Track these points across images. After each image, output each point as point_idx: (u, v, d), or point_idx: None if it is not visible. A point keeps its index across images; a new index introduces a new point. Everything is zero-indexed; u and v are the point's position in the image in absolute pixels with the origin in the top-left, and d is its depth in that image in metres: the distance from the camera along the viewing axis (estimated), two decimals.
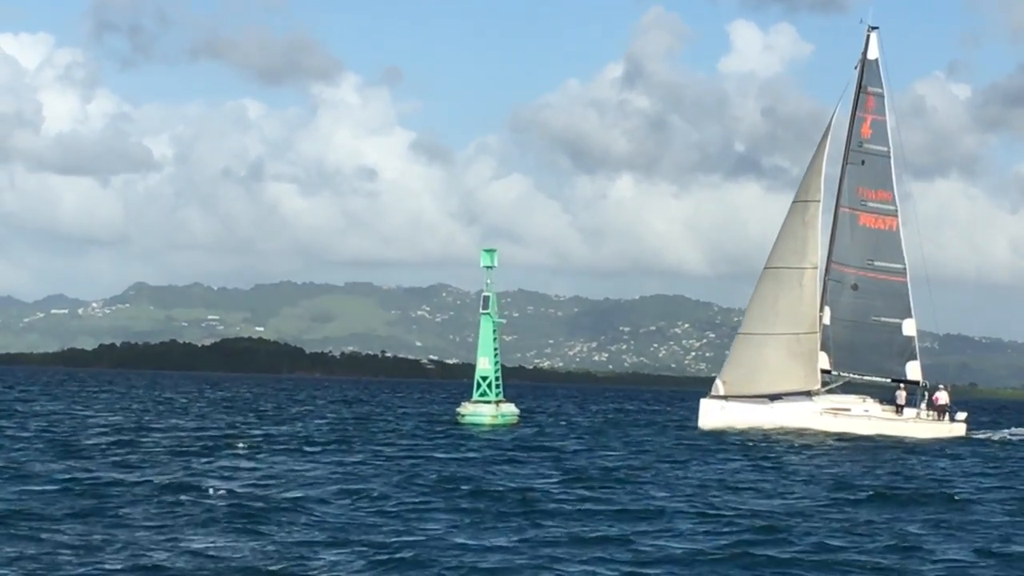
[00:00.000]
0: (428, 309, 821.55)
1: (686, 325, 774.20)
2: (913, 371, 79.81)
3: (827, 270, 79.00)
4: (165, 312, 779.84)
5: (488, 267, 72.71)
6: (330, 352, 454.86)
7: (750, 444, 62.36)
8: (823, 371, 78.50)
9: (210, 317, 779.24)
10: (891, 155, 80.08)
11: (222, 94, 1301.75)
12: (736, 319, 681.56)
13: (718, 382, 78.08)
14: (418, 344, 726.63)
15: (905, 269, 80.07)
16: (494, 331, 72.27)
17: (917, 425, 78.11)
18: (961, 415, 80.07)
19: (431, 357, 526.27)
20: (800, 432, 73.75)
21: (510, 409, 74.04)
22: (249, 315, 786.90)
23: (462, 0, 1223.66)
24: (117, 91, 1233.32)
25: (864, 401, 78.67)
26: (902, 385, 79.21)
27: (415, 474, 39.74)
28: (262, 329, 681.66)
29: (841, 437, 71.62)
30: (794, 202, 78.29)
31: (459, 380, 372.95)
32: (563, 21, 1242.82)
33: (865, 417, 77.57)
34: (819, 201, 78.08)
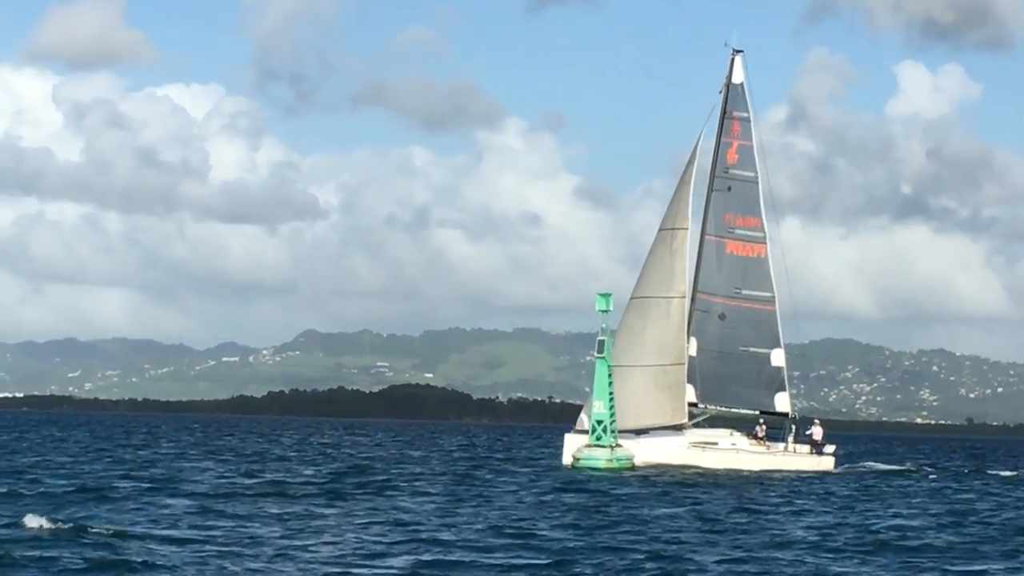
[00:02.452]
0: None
1: (856, 369, 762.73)
2: (782, 403, 77.77)
3: (693, 300, 76.93)
4: (335, 359, 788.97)
5: (603, 311, 72.08)
6: (497, 398, 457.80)
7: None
8: (690, 404, 76.42)
9: (379, 364, 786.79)
10: (759, 180, 78.06)
11: (387, 141, 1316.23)
12: (908, 363, 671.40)
13: (583, 416, 75.86)
14: (587, 390, 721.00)
15: (774, 297, 77.97)
16: (609, 374, 72.05)
17: (786, 459, 75.93)
18: (829, 448, 77.80)
19: None
20: (666, 467, 71.99)
21: (625, 453, 73.08)
22: (418, 361, 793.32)
23: (622, 44, 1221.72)
24: (282, 139, 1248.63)
25: (731, 435, 76.50)
26: (761, 420, 76.98)
27: None
28: (431, 375, 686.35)
29: (708, 472, 69.90)
30: (660, 230, 76.52)
31: None
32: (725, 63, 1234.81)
33: (733, 451, 75.46)
34: (686, 229, 76.23)
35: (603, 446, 71.96)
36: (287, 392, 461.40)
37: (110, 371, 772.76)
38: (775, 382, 77.43)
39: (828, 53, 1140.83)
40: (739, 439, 76.05)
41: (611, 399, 72.08)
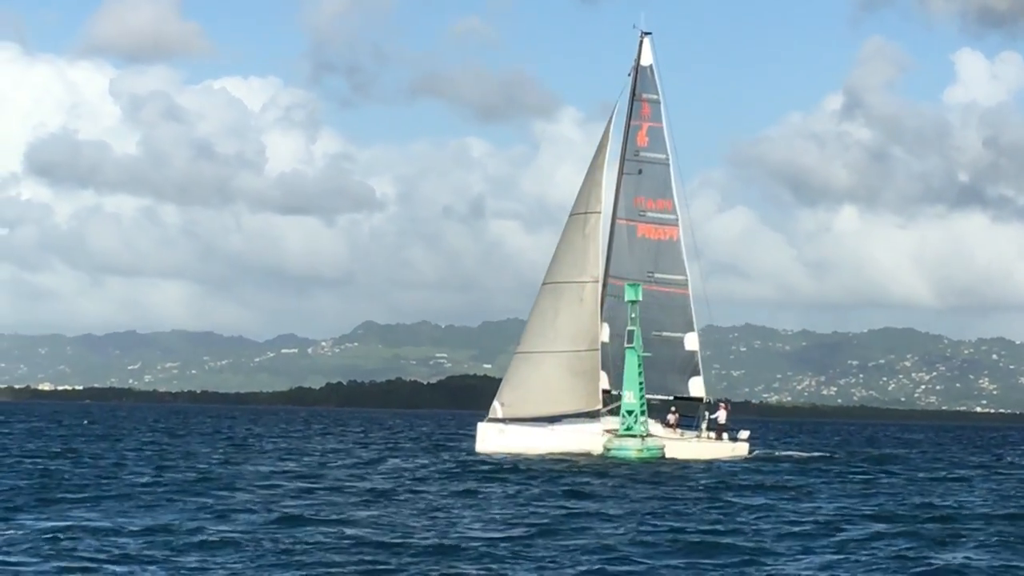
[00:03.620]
0: None
1: (915, 358, 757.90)
2: (696, 387, 76.66)
3: (605, 285, 75.99)
4: (393, 351, 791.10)
5: (632, 301, 72.65)
6: None
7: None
8: (604, 391, 75.46)
9: (438, 355, 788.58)
10: (670, 162, 77.13)
11: (444, 132, 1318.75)
12: (967, 352, 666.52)
13: (496, 404, 75.08)
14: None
15: (687, 281, 76.91)
16: (639, 365, 72.17)
17: (700, 446, 74.96)
18: (743, 433, 76.67)
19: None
20: (582, 455, 71.32)
21: (656, 443, 73.09)
22: (476, 352, 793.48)
23: (677, 35, 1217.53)
24: (339, 131, 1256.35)
25: (645, 421, 75.49)
26: (673, 408, 76.10)
27: None
28: (489, 366, 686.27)
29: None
30: (572, 215, 75.52)
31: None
32: (780, 52, 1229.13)
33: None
34: (599, 212, 75.24)
35: (634, 436, 72.07)
36: (345, 384, 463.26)
37: (169, 363, 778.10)
38: (689, 366, 76.40)
39: (884, 41, 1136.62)
40: (652, 426, 75.01)
41: (641, 389, 72.22)
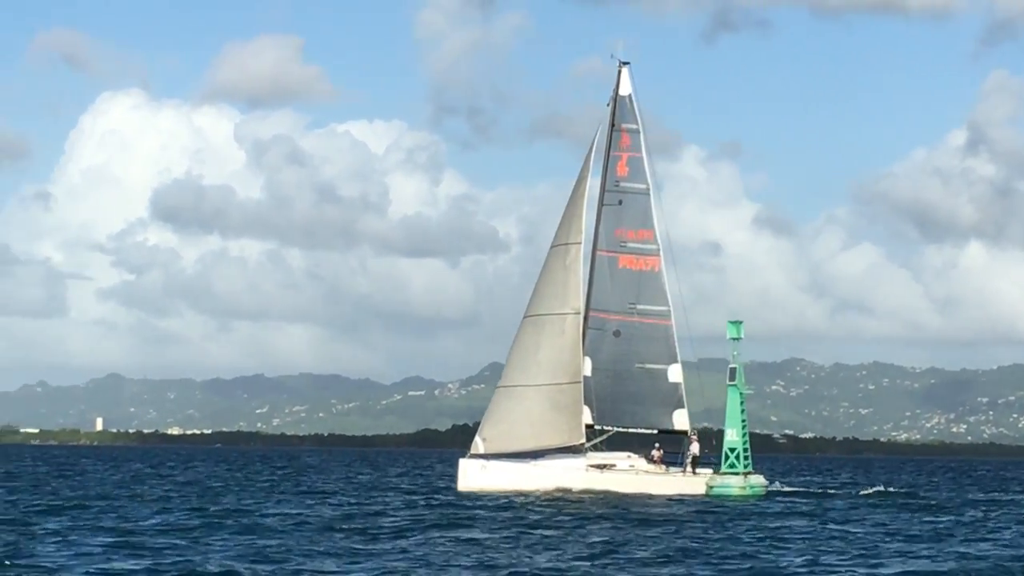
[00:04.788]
0: (782, 384, 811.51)
1: None
2: (681, 420, 75.38)
3: (586, 318, 75.06)
4: None
5: (734, 339, 73.31)
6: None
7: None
8: (587, 426, 74.47)
9: None
10: (651, 192, 76.12)
11: (565, 173, 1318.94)
12: None
13: (477, 439, 74.41)
14: (773, 419, 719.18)
15: (669, 311, 75.74)
16: (741, 402, 72.79)
17: (686, 481, 73.63)
18: None
19: (786, 432, 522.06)
20: (566, 491, 70.48)
21: (758, 480, 73.42)
22: None
23: (796, 73, 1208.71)
24: (461, 172, 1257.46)
25: (629, 457, 74.42)
26: (657, 444, 74.88)
27: None
28: None
29: (606, 496, 68.24)
30: (553, 246, 74.75)
31: (810, 454, 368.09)
32: (904, 88, 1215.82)
33: (632, 473, 73.40)
34: (580, 244, 74.48)
35: (736, 473, 72.21)
36: (471, 425, 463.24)
37: (297, 406, 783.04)
38: (673, 399, 75.16)
39: (1008, 76, 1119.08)
40: (637, 461, 73.93)
41: (744, 427, 72.66)
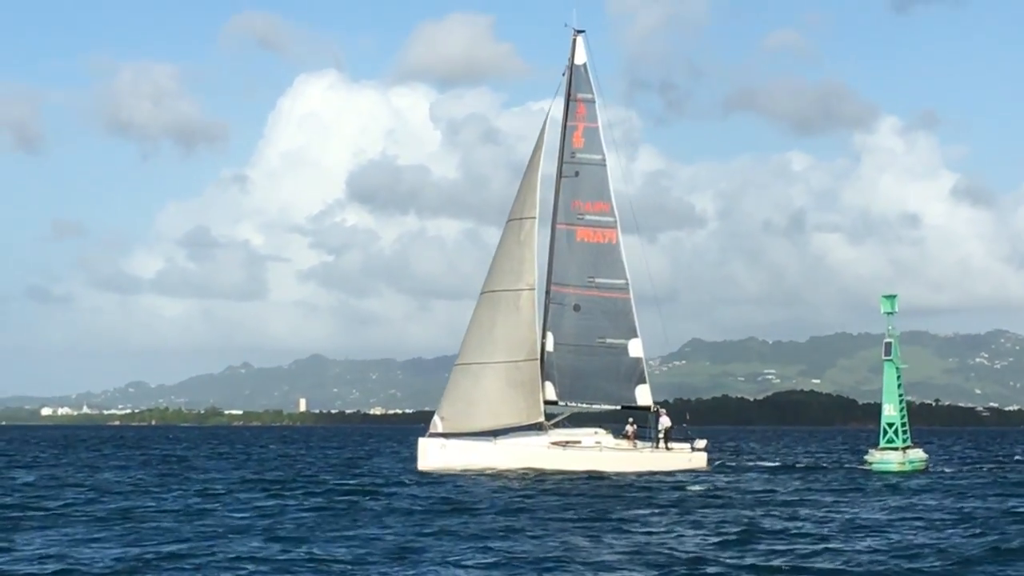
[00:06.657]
0: (986, 356, 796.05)
1: None
2: (643, 396, 73.52)
3: (548, 293, 73.74)
4: (721, 367, 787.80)
5: (888, 313, 72.88)
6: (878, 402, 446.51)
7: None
8: (550, 402, 73.08)
9: (766, 371, 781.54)
10: (607, 163, 74.38)
11: (763, 147, 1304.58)
12: None
13: (436, 419, 72.87)
14: (977, 392, 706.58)
15: (627, 285, 73.84)
16: (898, 377, 72.51)
17: (655, 457, 71.96)
18: (700, 443, 73.40)
19: (990, 404, 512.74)
20: (529, 470, 69.33)
21: (918, 455, 73.53)
22: (805, 368, 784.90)
23: (994, 39, 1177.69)
24: (656, 148, 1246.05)
25: (596, 433, 72.80)
26: (631, 419, 73.27)
27: None
28: (818, 381, 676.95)
29: (570, 474, 66.83)
30: (508, 220, 73.14)
31: (1017, 427, 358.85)
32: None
33: (597, 449, 71.87)
34: (535, 218, 72.73)
35: (895, 448, 71.92)
36: (671, 401, 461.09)
37: None
38: (635, 374, 73.27)
39: None
40: (604, 437, 72.27)
41: (902, 401, 72.15)
